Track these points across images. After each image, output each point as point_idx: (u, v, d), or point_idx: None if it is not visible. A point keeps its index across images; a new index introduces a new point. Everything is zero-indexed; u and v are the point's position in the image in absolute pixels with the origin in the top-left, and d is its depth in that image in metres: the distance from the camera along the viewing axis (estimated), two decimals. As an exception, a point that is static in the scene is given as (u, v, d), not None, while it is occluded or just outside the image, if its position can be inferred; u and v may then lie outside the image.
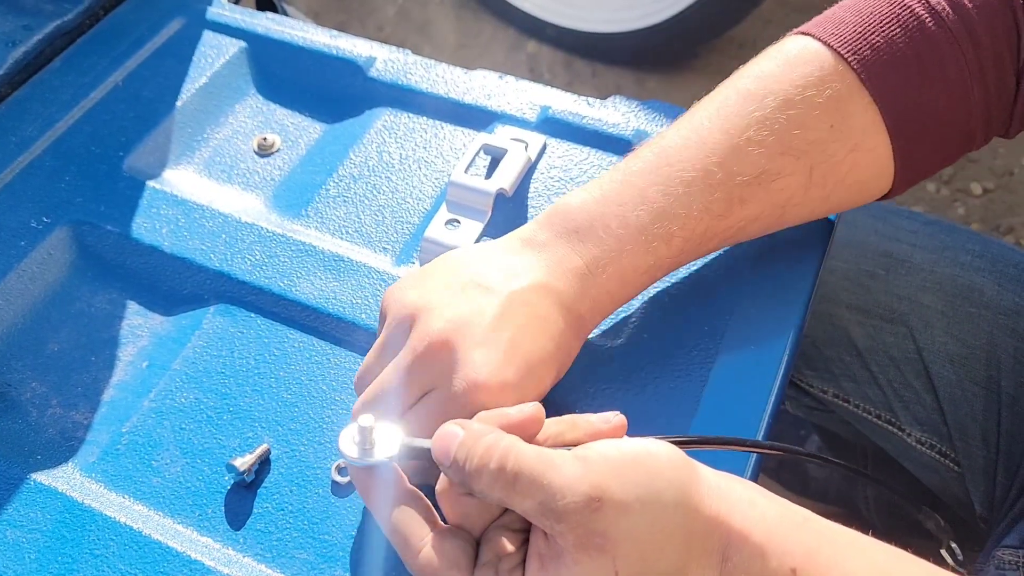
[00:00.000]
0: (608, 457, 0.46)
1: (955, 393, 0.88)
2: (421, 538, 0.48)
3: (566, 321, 0.56)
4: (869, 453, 1.11)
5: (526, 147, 0.73)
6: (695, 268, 0.66)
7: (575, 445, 0.47)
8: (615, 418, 0.50)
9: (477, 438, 0.46)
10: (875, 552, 0.48)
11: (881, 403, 0.94)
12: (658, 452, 0.46)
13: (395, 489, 0.49)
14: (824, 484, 1.28)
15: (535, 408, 0.49)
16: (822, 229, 0.68)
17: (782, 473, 1.31)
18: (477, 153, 0.71)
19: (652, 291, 0.65)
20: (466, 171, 0.70)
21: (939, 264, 0.91)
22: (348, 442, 0.50)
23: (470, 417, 0.50)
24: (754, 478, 0.58)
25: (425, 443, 0.48)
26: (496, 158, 0.72)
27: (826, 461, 0.57)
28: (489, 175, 0.71)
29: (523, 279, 0.56)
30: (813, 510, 0.49)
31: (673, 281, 0.66)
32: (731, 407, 0.59)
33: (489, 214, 0.69)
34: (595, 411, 0.59)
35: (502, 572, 0.46)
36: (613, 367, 0.62)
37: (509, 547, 0.47)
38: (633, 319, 0.64)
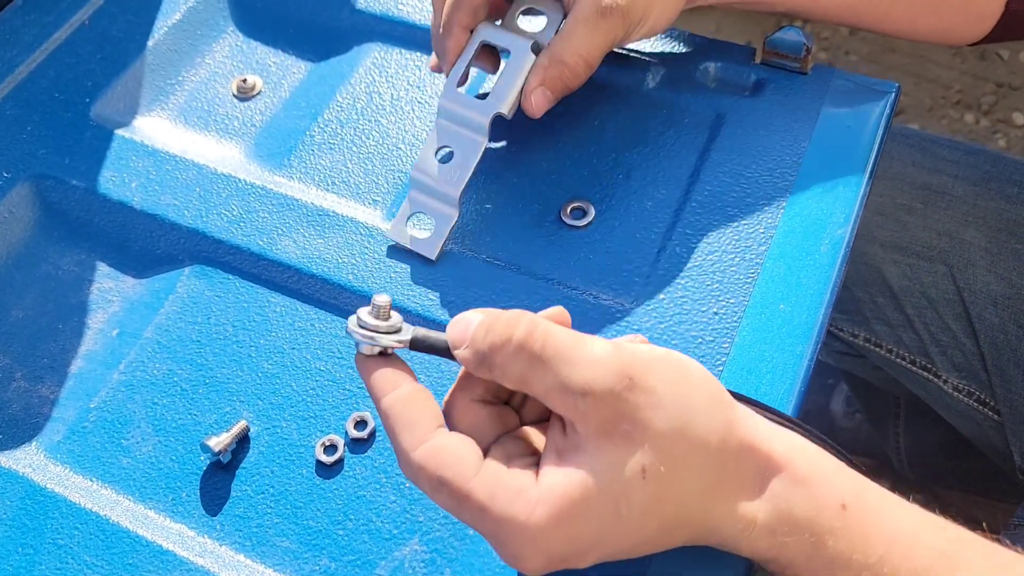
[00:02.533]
0: (638, 351, 0.42)
1: (997, 337, 0.83)
2: (425, 431, 0.42)
3: None
4: (902, 401, 1.06)
5: (533, 45, 0.60)
6: (715, 223, 0.60)
7: None
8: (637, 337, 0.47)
9: (498, 315, 0.42)
10: (917, 508, 0.45)
11: (916, 348, 0.88)
12: (689, 360, 0.43)
13: (403, 379, 0.44)
14: (852, 435, 1.23)
15: (559, 311, 0.46)
16: (855, 184, 0.61)
17: (808, 422, 1.26)
18: (475, 52, 0.61)
19: (669, 249, 0.59)
20: (458, 86, 0.61)
21: (982, 196, 0.85)
22: (361, 319, 0.45)
23: None
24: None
25: (441, 336, 0.44)
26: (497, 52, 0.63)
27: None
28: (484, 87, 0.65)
29: None
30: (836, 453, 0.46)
31: (690, 241, 0.59)
32: (759, 371, 0.53)
33: (485, 142, 0.60)
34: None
35: (511, 471, 0.41)
36: (626, 331, 0.56)
37: (522, 449, 0.43)
38: (649, 279, 0.58)
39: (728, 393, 0.44)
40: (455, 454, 0.41)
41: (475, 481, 0.40)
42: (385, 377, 0.43)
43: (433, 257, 0.59)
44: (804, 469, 0.43)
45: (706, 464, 0.41)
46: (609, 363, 0.40)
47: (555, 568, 0.41)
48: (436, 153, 0.60)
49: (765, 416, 0.46)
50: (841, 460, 0.45)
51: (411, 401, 0.43)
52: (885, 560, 0.41)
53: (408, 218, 0.61)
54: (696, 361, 0.43)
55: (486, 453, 0.42)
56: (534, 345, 0.40)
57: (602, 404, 0.39)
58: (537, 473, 0.40)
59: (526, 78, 0.58)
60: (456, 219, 0.59)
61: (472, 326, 0.42)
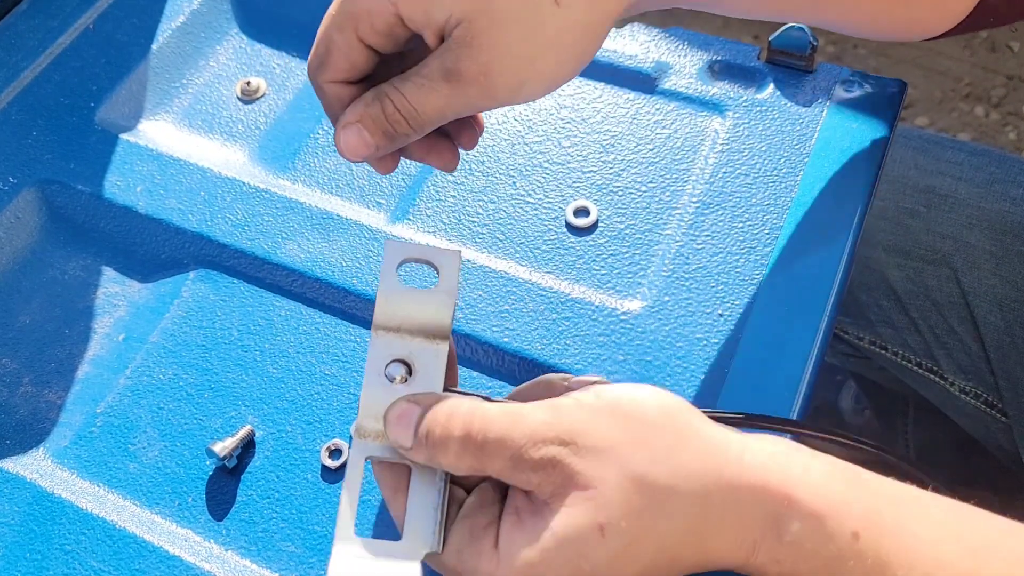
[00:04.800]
0: (583, 404, 0.41)
1: (1003, 340, 0.82)
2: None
3: None
4: (911, 401, 1.05)
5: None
6: (721, 224, 0.60)
7: None
8: (596, 377, 0.45)
9: (436, 409, 0.42)
10: (937, 508, 0.42)
11: (922, 351, 0.88)
12: (644, 397, 0.42)
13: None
14: (862, 431, 1.23)
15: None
16: (863, 185, 0.61)
17: (817, 418, 1.26)
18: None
19: (674, 250, 0.59)
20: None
21: (987, 199, 0.84)
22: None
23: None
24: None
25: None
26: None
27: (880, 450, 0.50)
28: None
29: None
30: (849, 459, 0.44)
31: (696, 242, 0.59)
32: (765, 373, 0.53)
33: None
34: (611, 381, 0.54)
35: (476, 529, 0.42)
36: (631, 333, 0.56)
37: (488, 499, 0.43)
38: (653, 280, 0.58)
39: (708, 424, 0.42)
40: None
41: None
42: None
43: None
44: (808, 498, 0.40)
45: (683, 506, 0.40)
46: (548, 433, 0.40)
47: None
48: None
49: (765, 428, 0.45)
50: (862, 448, 0.44)
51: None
52: None
53: None
54: (662, 394, 0.42)
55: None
56: (476, 438, 0.40)
57: (551, 472, 0.40)
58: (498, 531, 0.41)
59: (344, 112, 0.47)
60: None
61: (411, 429, 0.42)
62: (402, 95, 0.45)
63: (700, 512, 0.40)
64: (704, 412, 0.43)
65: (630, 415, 0.41)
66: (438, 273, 0.45)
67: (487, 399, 0.43)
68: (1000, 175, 0.86)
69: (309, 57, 0.48)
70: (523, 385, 0.47)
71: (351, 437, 0.46)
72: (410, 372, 0.44)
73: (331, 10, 0.47)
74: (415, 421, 0.42)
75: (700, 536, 0.40)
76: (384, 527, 0.51)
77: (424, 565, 0.42)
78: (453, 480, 0.44)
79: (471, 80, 0.43)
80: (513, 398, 0.46)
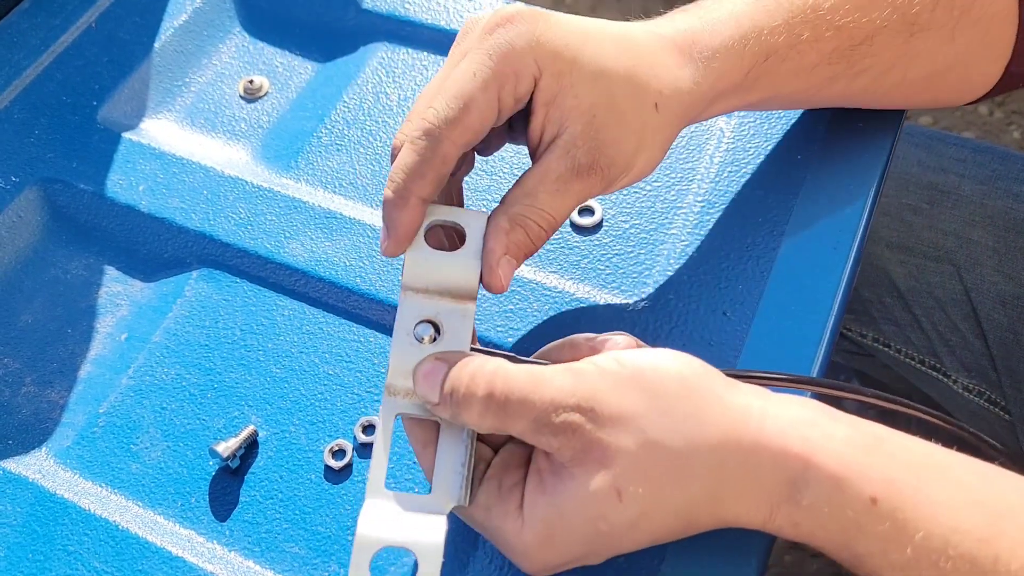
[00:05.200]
0: (605, 370, 0.42)
1: (1006, 337, 0.82)
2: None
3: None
4: (914, 399, 1.05)
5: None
6: (726, 223, 0.60)
7: None
8: (621, 337, 0.45)
9: (461, 368, 0.43)
10: (961, 471, 0.42)
11: (925, 348, 0.88)
12: (667, 366, 0.43)
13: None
14: (860, 412, 1.22)
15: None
16: (868, 184, 0.61)
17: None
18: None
19: (679, 249, 0.59)
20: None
21: (989, 196, 0.84)
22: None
23: None
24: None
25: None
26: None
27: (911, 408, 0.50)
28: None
29: None
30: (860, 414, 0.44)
31: (700, 241, 0.59)
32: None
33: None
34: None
35: (504, 489, 0.44)
36: (635, 332, 0.56)
37: (516, 460, 0.45)
38: (658, 280, 0.58)
39: (730, 390, 0.43)
40: None
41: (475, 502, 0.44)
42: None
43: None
44: (827, 463, 0.41)
45: (700, 473, 0.41)
46: (568, 400, 0.41)
47: (559, 570, 0.44)
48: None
49: (794, 388, 0.46)
50: (891, 406, 0.45)
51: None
52: (920, 557, 0.40)
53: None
54: (684, 361, 0.43)
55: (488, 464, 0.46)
56: (498, 398, 0.41)
57: (571, 438, 0.41)
58: (523, 492, 0.43)
59: (485, 244, 0.46)
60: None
61: (438, 386, 0.43)
62: (540, 209, 0.46)
63: (717, 478, 0.41)
64: (729, 373, 0.45)
65: (650, 384, 0.42)
66: (465, 235, 0.46)
67: (514, 358, 0.45)
68: (1003, 172, 0.86)
69: (431, 113, 0.44)
70: (550, 345, 0.47)
71: (380, 402, 0.48)
72: (438, 332, 0.45)
73: (470, 68, 0.45)
74: (442, 378, 0.43)
75: (717, 500, 0.41)
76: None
77: (452, 518, 0.44)
78: (480, 438, 0.46)
79: (599, 172, 0.47)
80: (540, 357, 0.47)
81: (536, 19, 0.46)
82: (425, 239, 0.46)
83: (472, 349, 0.45)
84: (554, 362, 0.44)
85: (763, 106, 0.57)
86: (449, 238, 0.49)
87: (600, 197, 0.62)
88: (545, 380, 0.42)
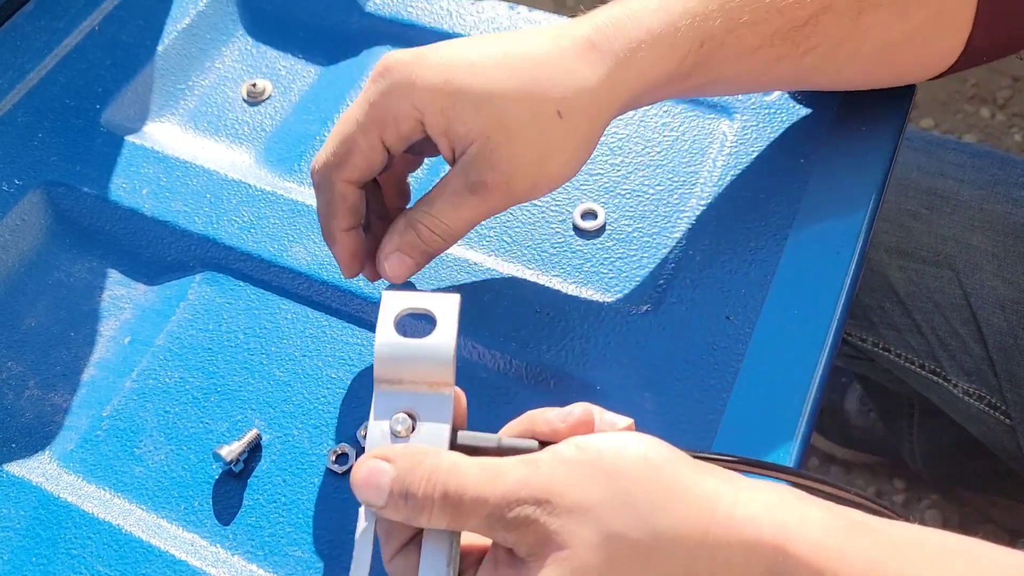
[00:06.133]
0: (564, 458, 0.40)
1: (1006, 342, 0.82)
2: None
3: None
4: (915, 403, 1.06)
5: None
6: (729, 226, 0.60)
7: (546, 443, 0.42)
8: (575, 412, 0.42)
9: (414, 469, 0.40)
10: (944, 552, 0.40)
11: (925, 352, 0.88)
12: (630, 449, 0.40)
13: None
14: (867, 433, 1.23)
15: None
16: (871, 187, 0.61)
17: (822, 420, 1.26)
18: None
19: (681, 253, 0.59)
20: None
21: (989, 200, 0.84)
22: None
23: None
24: (807, 436, 0.52)
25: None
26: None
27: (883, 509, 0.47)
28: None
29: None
30: (855, 461, 0.42)
31: (703, 244, 0.59)
32: (774, 376, 0.53)
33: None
34: (618, 384, 0.54)
35: None
36: (638, 336, 0.56)
37: (468, 548, 0.43)
38: (661, 283, 0.58)
39: (699, 476, 0.40)
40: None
41: None
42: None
43: None
44: (806, 552, 0.38)
45: (668, 566, 0.38)
46: (523, 493, 0.39)
47: None
48: None
49: (760, 473, 0.43)
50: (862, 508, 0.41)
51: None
52: None
53: None
54: (649, 444, 0.40)
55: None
56: (452, 498, 0.39)
57: (526, 532, 0.38)
58: None
59: (382, 242, 0.53)
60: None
61: (385, 487, 0.40)
62: (433, 216, 0.52)
63: (685, 573, 0.38)
64: (694, 455, 0.41)
65: (612, 470, 0.39)
66: (436, 322, 0.44)
67: (494, 440, 0.42)
68: (1002, 176, 0.86)
69: (323, 156, 0.52)
70: (511, 423, 0.44)
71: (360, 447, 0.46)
72: (415, 422, 0.43)
73: (355, 114, 0.51)
74: (386, 480, 0.40)
75: None
76: None
77: None
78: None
79: (495, 189, 0.50)
80: (504, 434, 0.44)
81: (411, 66, 0.50)
82: (395, 329, 0.43)
83: (458, 433, 0.43)
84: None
85: (708, 91, 0.57)
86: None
87: (604, 201, 0.62)
88: (499, 474, 0.39)
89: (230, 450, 0.53)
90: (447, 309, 0.44)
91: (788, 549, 0.37)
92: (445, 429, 0.42)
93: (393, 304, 0.44)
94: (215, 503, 0.53)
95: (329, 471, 0.53)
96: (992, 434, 0.88)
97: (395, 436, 0.42)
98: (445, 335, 0.43)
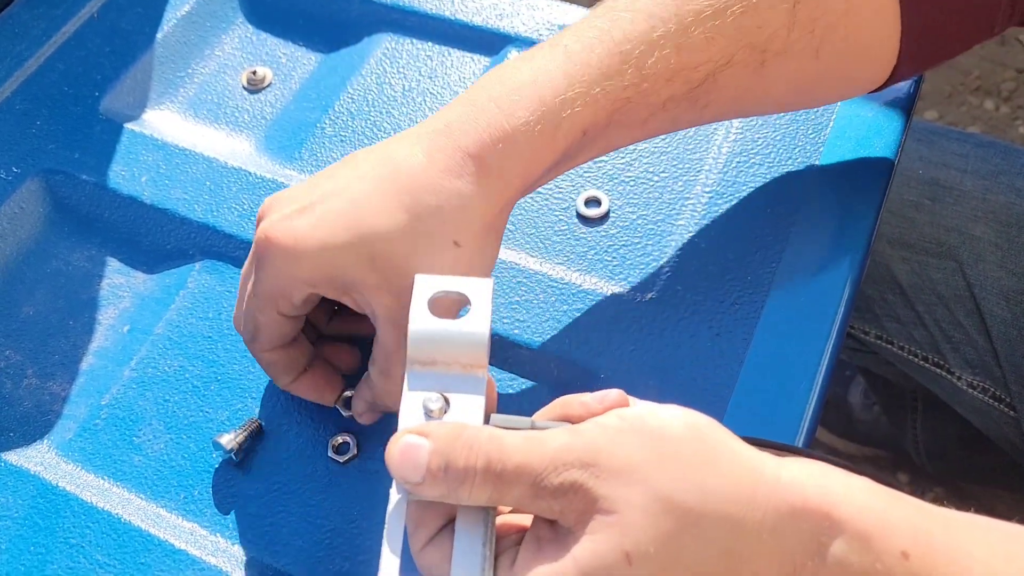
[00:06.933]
0: (605, 424, 0.39)
1: (1010, 333, 0.82)
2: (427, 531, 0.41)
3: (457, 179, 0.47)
4: (919, 396, 1.05)
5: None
6: (734, 214, 0.59)
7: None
8: (611, 395, 0.42)
9: (454, 440, 0.39)
10: (988, 531, 0.39)
11: (928, 345, 0.88)
12: (672, 414, 0.39)
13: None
14: (871, 427, 1.22)
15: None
16: (877, 176, 0.60)
17: (826, 413, 1.25)
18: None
19: (686, 241, 0.58)
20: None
21: (992, 191, 0.84)
22: None
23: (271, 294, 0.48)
24: (813, 424, 0.52)
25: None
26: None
27: None
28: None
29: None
30: (858, 454, 0.41)
31: (708, 232, 0.59)
32: (779, 366, 0.53)
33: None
34: (622, 373, 0.54)
35: (500, 561, 0.39)
36: (642, 324, 0.55)
37: (505, 528, 0.41)
38: (666, 271, 0.58)
39: (740, 443, 0.40)
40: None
41: None
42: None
43: None
44: (853, 515, 0.37)
45: (715, 529, 0.37)
46: (568, 457, 0.38)
47: None
48: None
49: (783, 453, 0.42)
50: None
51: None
52: None
53: None
54: (692, 414, 0.40)
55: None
56: (494, 468, 0.38)
57: (573, 498, 0.37)
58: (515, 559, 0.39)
59: (352, 403, 0.53)
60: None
61: (422, 462, 0.39)
62: (394, 380, 0.48)
63: (734, 536, 0.37)
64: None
65: (656, 433, 0.38)
66: (470, 304, 0.43)
67: (532, 425, 0.41)
68: (1005, 167, 0.85)
69: (243, 333, 0.52)
70: (542, 409, 0.44)
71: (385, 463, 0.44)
72: (448, 404, 0.42)
73: (248, 292, 0.50)
74: (425, 455, 0.39)
75: (735, 561, 0.37)
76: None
77: None
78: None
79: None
80: (537, 419, 0.43)
81: (289, 236, 0.46)
82: (429, 309, 0.43)
83: (491, 416, 0.42)
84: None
85: (600, 155, 0.54)
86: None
87: (607, 188, 0.61)
88: (542, 441, 0.38)
89: (230, 439, 0.52)
90: (482, 291, 0.43)
91: (833, 514, 0.37)
92: (480, 406, 0.41)
93: (426, 286, 0.43)
94: (215, 492, 0.53)
95: (331, 460, 0.53)
96: (996, 427, 0.87)
97: (428, 415, 0.41)
98: (480, 317, 0.42)
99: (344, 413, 0.54)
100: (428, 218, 0.46)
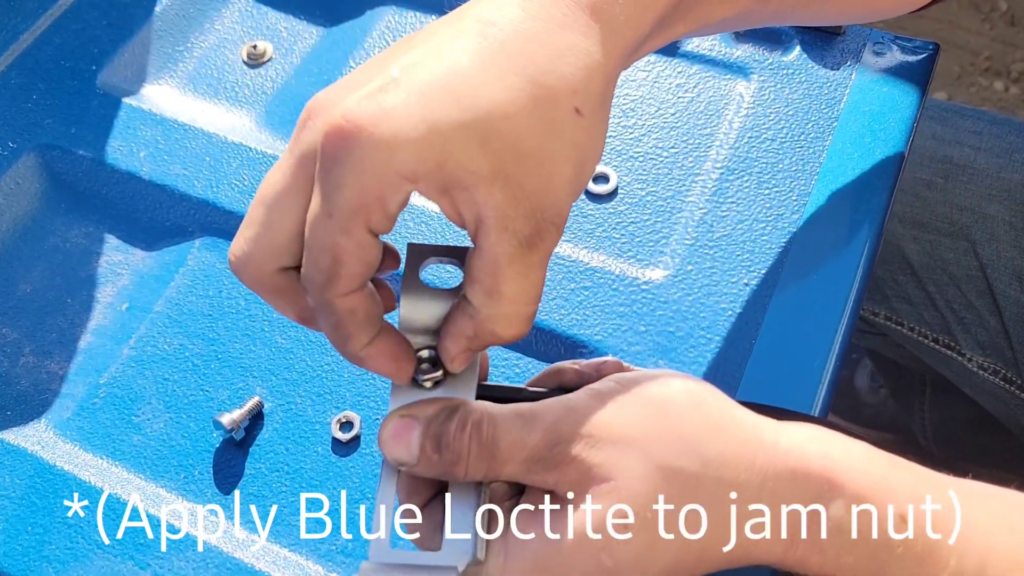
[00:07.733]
0: (602, 392, 0.38)
1: (1023, 314, 0.81)
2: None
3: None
4: (928, 379, 1.04)
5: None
6: (745, 191, 0.58)
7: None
8: (609, 362, 0.41)
9: (445, 420, 0.37)
10: (986, 496, 0.40)
11: (939, 326, 0.86)
12: (670, 380, 0.38)
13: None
14: (878, 410, 1.21)
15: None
16: (891, 152, 0.59)
17: (833, 397, 1.24)
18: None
19: (697, 218, 0.57)
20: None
21: (1006, 169, 0.83)
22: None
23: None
24: (826, 404, 0.51)
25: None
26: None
27: None
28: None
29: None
30: (864, 437, 0.41)
31: (719, 209, 0.58)
32: (791, 346, 0.52)
33: None
34: (632, 352, 0.53)
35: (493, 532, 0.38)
36: (652, 303, 0.54)
37: (498, 495, 0.40)
38: (675, 249, 0.56)
39: (740, 409, 0.39)
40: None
41: None
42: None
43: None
44: (851, 479, 0.37)
45: (716, 495, 0.37)
46: (563, 430, 0.37)
47: None
48: None
49: (783, 418, 0.43)
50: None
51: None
52: None
53: None
54: (691, 381, 0.39)
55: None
56: (489, 445, 0.37)
57: (568, 470, 0.36)
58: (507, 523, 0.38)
59: (443, 342, 0.40)
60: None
61: (415, 444, 0.37)
62: (508, 312, 0.38)
63: (733, 501, 0.37)
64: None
65: (654, 400, 0.38)
66: (462, 269, 0.40)
67: (522, 390, 0.41)
68: (1020, 144, 0.84)
69: (309, 273, 0.37)
70: (535, 376, 0.43)
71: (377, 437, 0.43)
72: (441, 376, 0.40)
73: (319, 213, 0.36)
74: (416, 435, 0.38)
75: (733, 526, 0.37)
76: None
77: None
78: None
79: (549, 230, 0.38)
80: (529, 386, 0.43)
81: (374, 123, 0.35)
82: (420, 277, 0.41)
83: (482, 385, 0.41)
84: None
85: (694, 35, 0.48)
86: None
87: (616, 164, 0.60)
88: (535, 416, 0.37)
89: (231, 418, 0.51)
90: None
91: (833, 478, 0.37)
92: (472, 378, 0.40)
93: (418, 254, 0.41)
94: (216, 472, 0.52)
95: (334, 439, 0.52)
96: (1007, 409, 0.86)
97: (419, 387, 0.40)
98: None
99: (421, 379, 0.40)
100: (548, 82, 0.37)
